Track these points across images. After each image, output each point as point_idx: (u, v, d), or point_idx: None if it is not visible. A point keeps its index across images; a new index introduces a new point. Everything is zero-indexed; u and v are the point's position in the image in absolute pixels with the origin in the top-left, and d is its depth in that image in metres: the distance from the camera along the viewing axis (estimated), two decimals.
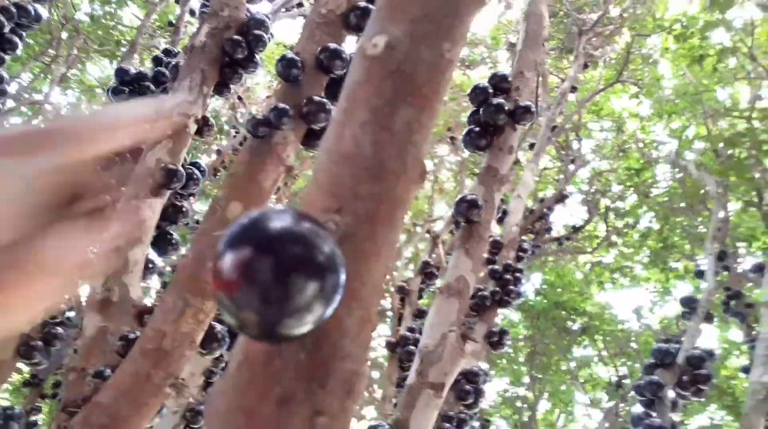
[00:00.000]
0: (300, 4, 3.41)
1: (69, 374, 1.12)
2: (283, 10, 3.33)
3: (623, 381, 5.30)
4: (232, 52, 1.45)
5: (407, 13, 0.30)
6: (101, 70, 6.02)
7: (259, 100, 6.24)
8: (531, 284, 6.46)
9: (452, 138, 5.54)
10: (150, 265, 1.40)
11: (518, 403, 6.24)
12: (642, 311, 6.20)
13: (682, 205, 6.40)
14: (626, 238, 6.74)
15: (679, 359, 2.04)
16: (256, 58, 1.53)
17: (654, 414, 1.92)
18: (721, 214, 5.05)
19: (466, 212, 1.46)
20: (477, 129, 1.63)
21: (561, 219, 6.93)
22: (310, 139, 1.23)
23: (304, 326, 0.29)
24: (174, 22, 3.58)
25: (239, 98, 4.96)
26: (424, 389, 1.01)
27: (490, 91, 1.68)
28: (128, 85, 1.99)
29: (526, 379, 6.22)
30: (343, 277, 0.29)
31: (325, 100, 1.20)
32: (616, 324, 6.29)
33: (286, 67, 1.20)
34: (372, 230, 0.30)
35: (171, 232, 1.48)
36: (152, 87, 1.98)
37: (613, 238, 6.64)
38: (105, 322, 1.17)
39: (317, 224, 0.29)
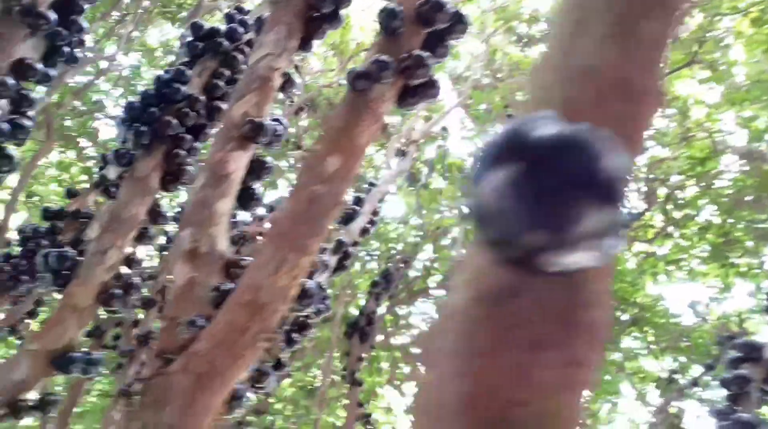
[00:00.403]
0: None
1: (161, 322, 1.13)
2: None
3: (675, 376, 5.14)
4: (319, 5, 1.41)
5: None
6: (162, 33, 6.09)
7: (313, 70, 6.19)
8: None
9: (510, 116, 5.40)
10: (235, 219, 1.40)
11: None
12: (698, 307, 5.96)
13: (749, 198, 6.06)
14: (684, 230, 6.47)
15: (766, 354, 1.93)
16: (340, 13, 1.49)
17: (739, 409, 1.82)
18: None
19: None
20: None
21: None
22: (405, 97, 1.18)
23: (582, 260, 0.24)
24: None
25: (296, 67, 4.94)
26: None
27: None
28: (202, 41, 1.98)
29: None
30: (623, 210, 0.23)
31: (425, 54, 1.13)
32: (669, 317, 6.07)
33: (388, 18, 1.14)
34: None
35: (254, 186, 1.47)
36: (225, 43, 1.96)
37: (670, 229, 6.37)
38: (194, 273, 1.17)
39: (602, 134, 0.23)
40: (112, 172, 2.04)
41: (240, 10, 2.19)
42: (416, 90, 1.16)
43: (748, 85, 6.09)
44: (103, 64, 5.18)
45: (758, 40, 5.92)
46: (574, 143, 0.23)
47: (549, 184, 0.23)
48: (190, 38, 1.98)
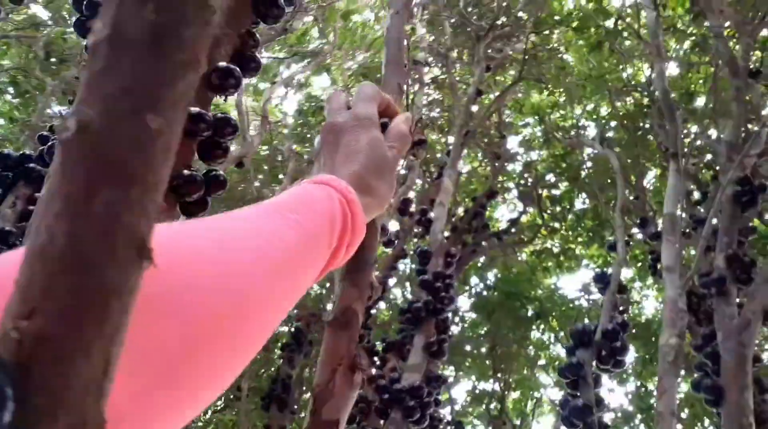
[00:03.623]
0: None
1: None
2: None
3: None
4: None
5: (102, 89, 0.29)
6: None
7: None
8: (483, 282, 6.59)
9: None
10: None
11: (487, 399, 6.35)
12: (589, 288, 6.47)
13: (608, 180, 6.72)
14: (564, 223, 7.02)
15: (596, 336, 2.15)
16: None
17: (578, 394, 2.01)
18: (636, 181, 5.30)
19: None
20: None
21: (500, 214, 7.11)
22: (185, 206, 1.22)
23: None
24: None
25: None
26: None
27: None
28: (11, 170, 1.92)
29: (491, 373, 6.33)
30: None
31: (194, 173, 1.21)
32: (567, 304, 6.52)
33: None
34: (74, 328, 0.28)
35: None
36: (38, 167, 1.91)
37: (553, 224, 6.89)
38: None
39: None
40: None
41: (54, 130, 2.12)
42: (194, 205, 1.21)
43: (582, 82, 6.80)
44: None
45: (583, 44, 6.66)
46: None
47: None
48: None
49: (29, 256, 0.29)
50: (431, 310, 2.59)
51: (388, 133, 0.67)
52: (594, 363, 2.15)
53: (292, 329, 5.20)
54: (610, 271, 2.91)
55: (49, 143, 1.91)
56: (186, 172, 1.18)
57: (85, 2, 1.50)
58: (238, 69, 1.20)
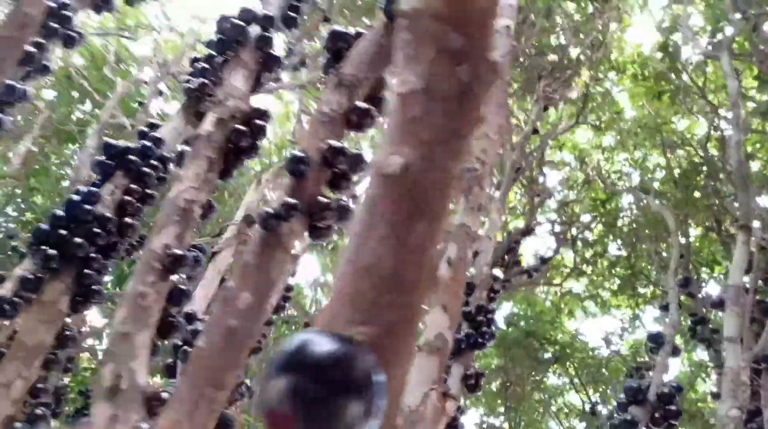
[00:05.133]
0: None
1: None
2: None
3: (596, 408, 5.36)
4: (238, 141, 1.54)
5: (419, 136, 0.34)
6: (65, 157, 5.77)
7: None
8: (502, 315, 6.50)
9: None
10: (155, 348, 1.44)
11: None
12: (612, 338, 6.33)
13: (647, 231, 6.59)
14: (595, 267, 6.89)
15: (650, 396, 2.14)
16: (258, 145, 1.62)
17: None
18: (683, 241, 5.23)
19: None
20: None
21: (531, 250, 7.02)
22: (314, 230, 1.30)
23: None
24: (143, 101, 3.71)
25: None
26: None
27: None
28: (114, 159, 2.02)
29: (501, 410, 6.21)
30: (383, 401, 0.30)
31: (329, 201, 1.28)
32: (587, 352, 6.38)
33: (295, 163, 1.28)
34: (395, 340, 0.32)
35: (174, 314, 1.52)
36: (137, 161, 2.01)
37: (583, 267, 6.76)
38: (114, 410, 1.19)
39: (359, 346, 0.31)
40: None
41: (152, 126, 2.24)
42: (324, 228, 1.29)
43: (636, 130, 6.70)
44: None
45: (638, 92, 6.60)
46: (338, 359, 0.30)
47: (319, 391, 0.30)
48: (101, 158, 2.02)
49: (357, 271, 0.33)
50: (472, 343, 2.58)
51: None
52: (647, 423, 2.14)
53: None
54: (662, 330, 2.89)
55: (150, 138, 1.99)
56: (322, 198, 1.26)
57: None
58: (374, 109, 1.29)
